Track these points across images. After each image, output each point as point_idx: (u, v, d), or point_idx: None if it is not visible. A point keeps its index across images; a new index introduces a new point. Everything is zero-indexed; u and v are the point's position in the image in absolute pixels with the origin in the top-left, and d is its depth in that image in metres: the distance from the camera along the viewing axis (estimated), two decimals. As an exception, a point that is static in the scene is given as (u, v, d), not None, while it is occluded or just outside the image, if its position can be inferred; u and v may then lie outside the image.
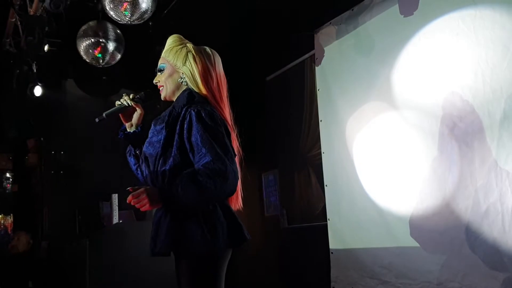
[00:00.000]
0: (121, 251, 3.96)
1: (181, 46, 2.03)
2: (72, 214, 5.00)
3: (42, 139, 5.79)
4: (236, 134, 2.06)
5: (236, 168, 1.83)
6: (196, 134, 1.83)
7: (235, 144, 2.03)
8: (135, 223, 4.54)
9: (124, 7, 3.76)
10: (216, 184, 1.72)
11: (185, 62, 2.00)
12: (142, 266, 3.73)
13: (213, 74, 2.02)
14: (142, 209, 1.77)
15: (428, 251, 3.47)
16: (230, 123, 2.01)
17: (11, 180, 6.43)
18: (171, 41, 2.07)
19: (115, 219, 4.42)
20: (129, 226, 4.36)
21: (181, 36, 2.09)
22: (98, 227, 4.61)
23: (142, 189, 1.77)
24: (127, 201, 1.78)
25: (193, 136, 1.83)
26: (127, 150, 2.19)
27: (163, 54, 2.07)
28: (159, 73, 2.07)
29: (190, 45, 2.04)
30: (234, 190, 1.83)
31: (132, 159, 2.16)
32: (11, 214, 6.23)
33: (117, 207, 4.46)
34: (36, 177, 5.93)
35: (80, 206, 4.99)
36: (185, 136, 1.87)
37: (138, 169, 2.11)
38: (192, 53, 2.01)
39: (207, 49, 2.07)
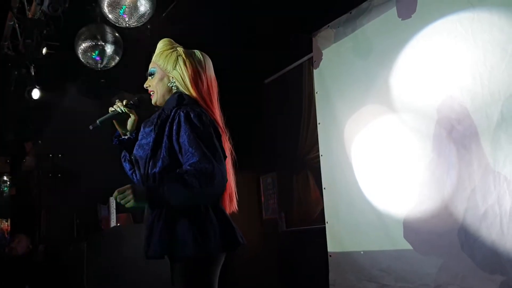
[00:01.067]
0: (119, 254, 3.95)
1: (172, 50, 2.03)
2: (70, 217, 4.99)
3: (40, 142, 5.79)
4: (228, 137, 2.05)
5: (225, 168, 1.82)
6: (183, 134, 1.83)
7: (227, 146, 2.02)
8: (133, 226, 4.54)
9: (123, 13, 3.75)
10: (201, 184, 1.72)
11: (175, 66, 2.00)
12: (140, 269, 3.72)
13: (203, 78, 2.02)
14: (127, 205, 1.76)
15: (426, 254, 3.46)
16: (221, 126, 2.01)
17: (8, 183, 6.42)
18: (161, 45, 2.07)
19: (113, 222, 4.42)
20: (127, 229, 4.35)
21: (172, 40, 2.09)
22: (96, 230, 4.60)
23: (128, 186, 1.77)
24: (113, 197, 1.78)
25: (181, 137, 1.83)
26: (122, 155, 2.19)
27: (153, 58, 2.07)
28: (149, 78, 2.07)
29: (180, 49, 2.04)
30: (221, 191, 1.83)
31: (127, 164, 2.16)
32: (8, 218, 6.23)
33: (115, 210, 4.45)
34: (34, 180, 5.92)
35: (78, 209, 4.98)
36: (173, 138, 1.87)
37: (134, 174, 2.11)
38: (182, 57, 2.00)
39: (198, 52, 2.07)
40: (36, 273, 4.93)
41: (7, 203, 6.34)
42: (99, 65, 4.55)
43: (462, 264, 3.19)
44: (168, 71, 2.02)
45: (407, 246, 3.60)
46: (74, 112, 5.58)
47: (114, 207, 4.44)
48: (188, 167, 1.76)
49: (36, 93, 5.20)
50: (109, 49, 4.49)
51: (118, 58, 4.58)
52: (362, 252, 4.01)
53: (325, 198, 4.46)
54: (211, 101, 2.02)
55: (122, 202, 1.77)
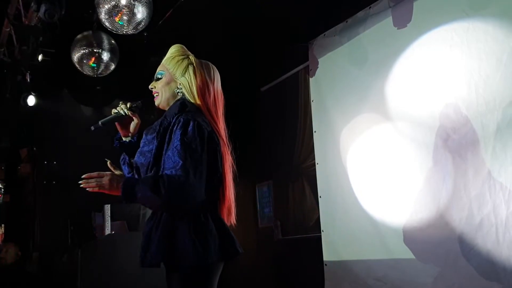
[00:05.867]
0: (113, 262, 3.93)
1: (183, 57, 2.03)
2: (64, 224, 4.96)
3: (35, 148, 5.76)
4: (231, 151, 2.04)
5: (200, 185, 1.79)
6: (175, 141, 1.82)
7: (228, 159, 2.00)
8: (127, 234, 4.51)
9: (119, 16, 3.75)
10: (168, 193, 1.72)
11: (185, 73, 2.00)
12: (135, 278, 3.70)
13: (211, 90, 2.02)
14: (100, 189, 1.84)
15: (422, 263, 3.46)
16: (223, 139, 2.00)
17: (3, 190, 6.38)
18: (174, 50, 2.07)
19: (108, 230, 4.39)
20: (121, 237, 4.33)
21: (184, 47, 2.09)
22: (90, 238, 4.57)
23: (108, 173, 1.86)
24: (87, 176, 1.85)
25: (173, 143, 1.83)
26: (121, 158, 2.17)
27: (163, 62, 2.07)
28: (156, 80, 2.06)
29: (192, 58, 2.04)
30: (188, 203, 1.78)
31: (126, 167, 2.14)
32: (2, 225, 6.18)
33: (109, 218, 4.43)
34: (28, 187, 5.89)
35: (72, 217, 4.95)
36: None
37: None
38: (193, 66, 2.01)
39: (208, 64, 2.07)
40: (29, 281, 4.89)
41: (1, 210, 6.30)
42: (95, 72, 4.55)
43: (458, 273, 3.18)
44: (176, 76, 2.01)
45: (403, 255, 3.60)
46: (69, 119, 5.57)
47: (109, 214, 4.42)
48: (164, 173, 1.78)
49: (31, 100, 5.17)
50: (105, 56, 4.49)
51: (114, 65, 4.58)
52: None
53: (320, 207, 4.46)
54: (216, 113, 2.01)
55: (97, 184, 1.84)
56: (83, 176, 1.85)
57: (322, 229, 4.40)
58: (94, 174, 1.86)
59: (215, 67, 2.09)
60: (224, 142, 1.99)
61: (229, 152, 2.02)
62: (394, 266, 3.66)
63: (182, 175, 1.74)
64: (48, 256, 5.04)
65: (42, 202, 5.53)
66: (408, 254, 3.56)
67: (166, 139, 1.88)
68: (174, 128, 1.86)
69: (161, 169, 1.85)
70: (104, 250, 4.06)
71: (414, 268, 3.50)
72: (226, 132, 2.05)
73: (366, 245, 3.93)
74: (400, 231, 3.64)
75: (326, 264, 4.32)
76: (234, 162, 2.05)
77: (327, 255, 4.32)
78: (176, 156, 1.78)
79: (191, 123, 1.84)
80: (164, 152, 1.87)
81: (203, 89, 1.99)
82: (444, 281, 3.28)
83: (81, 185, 1.85)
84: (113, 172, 1.95)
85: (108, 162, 2.05)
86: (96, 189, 1.85)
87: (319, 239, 4.41)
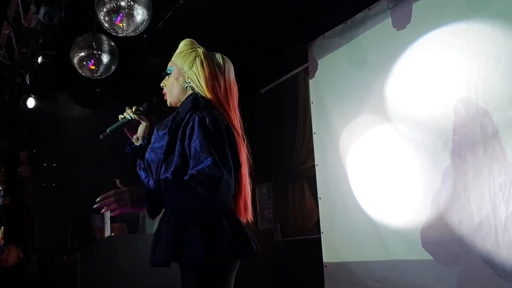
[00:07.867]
0: (113, 264, 3.92)
1: (191, 50, 1.99)
2: (64, 226, 4.96)
3: (34, 151, 5.76)
4: (247, 144, 1.97)
5: (232, 180, 1.70)
6: (196, 139, 1.74)
7: (243, 152, 1.93)
8: (127, 236, 4.51)
9: (119, 20, 3.75)
10: (207, 191, 1.60)
11: (192, 66, 1.95)
12: (135, 280, 3.69)
13: (221, 81, 1.96)
14: (121, 210, 1.62)
15: (422, 264, 3.46)
16: (238, 131, 1.93)
17: (2, 192, 6.38)
18: (182, 44, 2.03)
19: (107, 232, 4.39)
20: (121, 239, 4.32)
21: (194, 41, 2.05)
22: (90, 240, 4.56)
23: (125, 189, 1.66)
24: (103, 197, 1.63)
25: (193, 141, 1.74)
26: (137, 163, 2.11)
27: (173, 58, 2.03)
28: (166, 77, 2.03)
29: (200, 50, 1.99)
30: (225, 202, 1.70)
31: (142, 172, 2.08)
32: (2, 227, 6.18)
33: (109, 220, 4.43)
34: (28, 189, 5.88)
35: (72, 219, 4.94)
36: (186, 142, 1.78)
37: (149, 182, 2.01)
38: (201, 58, 1.95)
39: (219, 55, 2.02)
40: (29, 284, 4.88)
41: (0, 212, 6.29)
42: (94, 75, 4.55)
43: (458, 275, 3.18)
44: (184, 70, 1.96)
45: (403, 256, 3.59)
46: (69, 121, 5.57)
47: (109, 217, 4.42)
48: (195, 172, 1.66)
49: (31, 102, 5.17)
50: (104, 58, 4.49)
51: (113, 67, 4.57)
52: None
53: (320, 208, 4.45)
54: (228, 104, 1.96)
55: (116, 205, 1.62)
56: (99, 199, 1.64)
57: (322, 230, 4.40)
58: (111, 192, 1.64)
59: (227, 58, 2.03)
60: (238, 134, 1.92)
61: (244, 145, 1.95)
62: (394, 268, 3.66)
63: (217, 171, 1.64)
64: (47, 258, 5.03)
65: (41, 204, 5.53)
66: (408, 255, 3.56)
67: (179, 136, 1.82)
68: (189, 126, 1.80)
69: (174, 165, 1.78)
70: (103, 252, 4.05)
71: (414, 269, 3.50)
72: (240, 124, 1.98)
73: (366, 247, 3.92)
74: (399, 233, 3.64)
75: (326, 266, 4.31)
76: (250, 155, 1.98)
77: (327, 257, 4.32)
78: (205, 153, 1.68)
79: (207, 120, 1.78)
80: (176, 150, 1.80)
81: (213, 81, 1.93)
82: (444, 282, 3.28)
83: (102, 211, 1.66)
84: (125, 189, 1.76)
85: (117, 182, 1.91)
86: (118, 210, 1.63)
87: (319, 240, 4.41)
